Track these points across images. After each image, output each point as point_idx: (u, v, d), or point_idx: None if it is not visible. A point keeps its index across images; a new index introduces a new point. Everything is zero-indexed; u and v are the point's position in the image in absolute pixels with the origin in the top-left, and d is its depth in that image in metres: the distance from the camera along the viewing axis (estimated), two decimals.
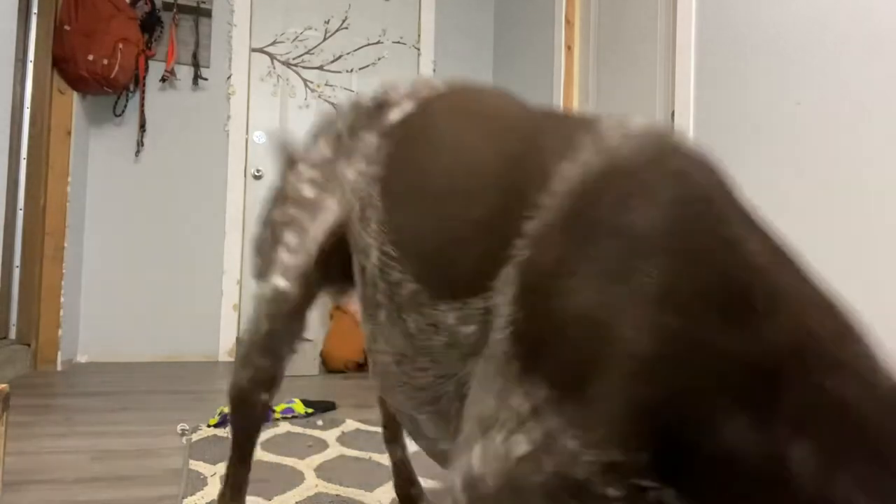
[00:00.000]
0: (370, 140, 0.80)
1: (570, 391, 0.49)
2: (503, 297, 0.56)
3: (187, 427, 1.81)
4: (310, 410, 2.09)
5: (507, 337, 0.54)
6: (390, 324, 0.69)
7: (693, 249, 0.50)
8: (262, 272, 0.90)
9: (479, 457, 0.53)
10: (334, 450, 1.60)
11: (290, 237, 0.85)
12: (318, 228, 0.83)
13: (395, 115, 0.80)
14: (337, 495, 1.27)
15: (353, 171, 0.81)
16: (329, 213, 0.83)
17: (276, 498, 1.23)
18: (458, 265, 0.62)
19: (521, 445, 0.51)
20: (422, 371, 0.67)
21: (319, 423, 1.93)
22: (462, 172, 0.68)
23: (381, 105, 0.83)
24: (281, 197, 0.90)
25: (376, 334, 0.73)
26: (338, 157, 0.85)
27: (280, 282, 0.84)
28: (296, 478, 1.37)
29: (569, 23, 3.40)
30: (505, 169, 0.65)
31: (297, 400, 2.12)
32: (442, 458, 0.72)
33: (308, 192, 0.85)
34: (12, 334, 2.84)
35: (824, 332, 0.46)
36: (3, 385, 1.05)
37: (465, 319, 0.60)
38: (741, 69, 2.26)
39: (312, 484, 1.33)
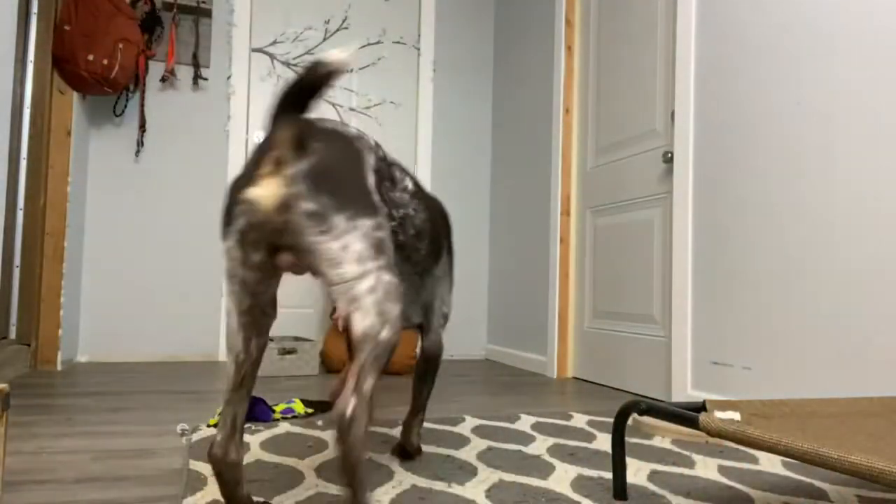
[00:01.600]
0: (404, 195, 1.26)
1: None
2: None
3: (187, 427, 1.81)
4: (310, 410, 2.09)
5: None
6: (401, 254, 1.29)
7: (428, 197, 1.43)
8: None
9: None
10: (334, 450, 1.60)
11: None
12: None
13: (409, 184, 1.28)
14: (337, 495, 1.27)
15: (398, 195, 1.25)
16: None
17: (276, 498, 1.23)
18: (432, 255, 1.41)
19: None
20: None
21: (319, 423, 1.93)
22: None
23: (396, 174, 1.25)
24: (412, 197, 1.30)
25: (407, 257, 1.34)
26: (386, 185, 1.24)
27: None
28: (296, 478, 1.37)
29: (569, 23, 3.40)
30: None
31: (297, 400, 2.12)
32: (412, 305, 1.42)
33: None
34: (12, 334, 2.84)
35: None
36: (3, 385, 1.05)
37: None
38: (741, 69, 2.26)
39: (312, 484, 1.33)
